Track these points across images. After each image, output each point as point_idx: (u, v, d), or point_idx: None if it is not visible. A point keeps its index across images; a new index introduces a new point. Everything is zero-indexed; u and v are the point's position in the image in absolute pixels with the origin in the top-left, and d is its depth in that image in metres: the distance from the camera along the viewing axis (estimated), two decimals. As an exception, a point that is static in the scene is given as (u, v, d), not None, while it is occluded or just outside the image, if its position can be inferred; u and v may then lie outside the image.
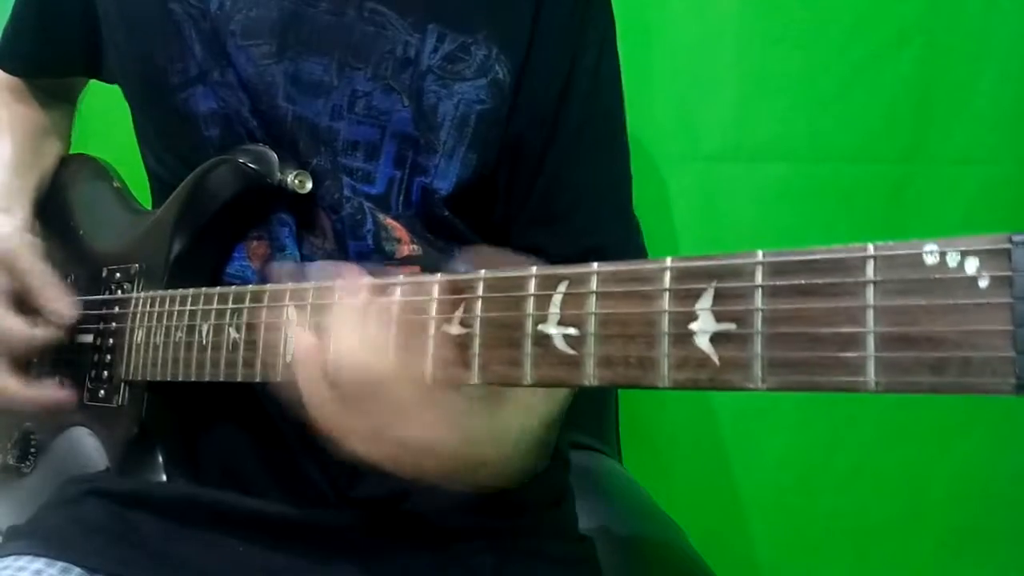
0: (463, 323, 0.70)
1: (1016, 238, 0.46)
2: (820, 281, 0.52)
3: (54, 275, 1.11)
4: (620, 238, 1.11)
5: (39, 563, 0.96)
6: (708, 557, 1.36)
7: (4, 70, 1.28)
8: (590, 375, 0.62)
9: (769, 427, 1.72)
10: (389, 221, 1.03)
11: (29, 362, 1.18)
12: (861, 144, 1.68)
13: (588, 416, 1.65)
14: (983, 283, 0.47)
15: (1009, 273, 0.46)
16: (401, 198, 1.04)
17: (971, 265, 0.47)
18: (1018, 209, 1.63)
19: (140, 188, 1.21)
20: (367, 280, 0.78)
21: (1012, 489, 1.73)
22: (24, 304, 1.11)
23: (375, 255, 1.02)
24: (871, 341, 0.50)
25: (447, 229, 1.06)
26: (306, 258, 1.02)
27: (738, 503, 1.75)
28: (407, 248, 1.03)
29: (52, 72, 1.27)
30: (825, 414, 1.70)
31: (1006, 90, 1.67)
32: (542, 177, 1.07)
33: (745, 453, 1.75)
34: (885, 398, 1.52)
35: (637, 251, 1.12)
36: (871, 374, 0.50)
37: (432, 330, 0.72)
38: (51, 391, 1.12)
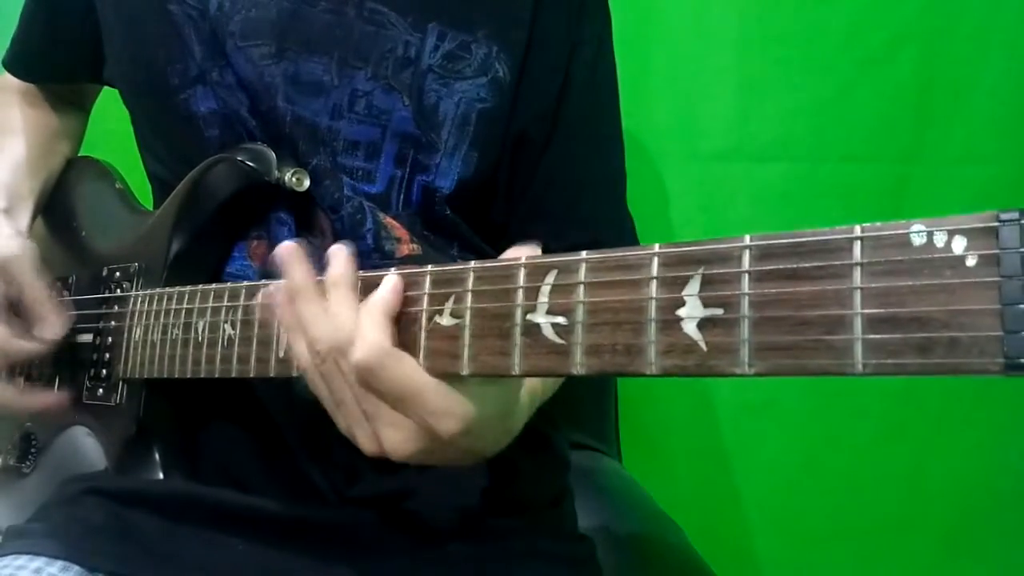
0: (454, 314, 0.71)
1: (1003, 216, 0.46)
2: (807, 264, 0.52)
3: (48, 287, 1.12)
4: (616, 233, 1.11)
5: (39, 561, 0.95)
6: (708, 557, 1.36)
7: (14, 76, 1.28)
8: (578, 364, 0.62)
9: (769, 427, 1.72)
10: (389, 220, 1.03)
11: (29, 362, 1.19)
12: (861, 144, 1.68)
13: (588, 416, 1.65)
14: (970, 262, 0.47)
15: (996, 252, 0.46)
16: (401, 197, 1.04)
17: (958, 244, 0.47)
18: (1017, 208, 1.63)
19: (141, 189, 1.21)
20: (360, 274, 0.79)
21: (1012, 488, 1.73)
22: (18, 311, 1.11)
23: (375, 254, 1.02)
24: (858, 323, 0.50)
25: (447, 228, 1.06)
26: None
27: (738, 503, 1.75)
28: (407, 247, 1.03)
29: (60, 78, 1.28)
30: (825, 413, 1.70)
31: (1006, 90, 1.67)
32: (541, 173, 1.08)
33: (745, 453, 1.74)
34: (884, 396, 1.52)
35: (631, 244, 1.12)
36: (858, 357, 0.49)
37: (424, 321, 0.73)
38: (45, 396, 1.13)
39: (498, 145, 1.06)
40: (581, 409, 1.61)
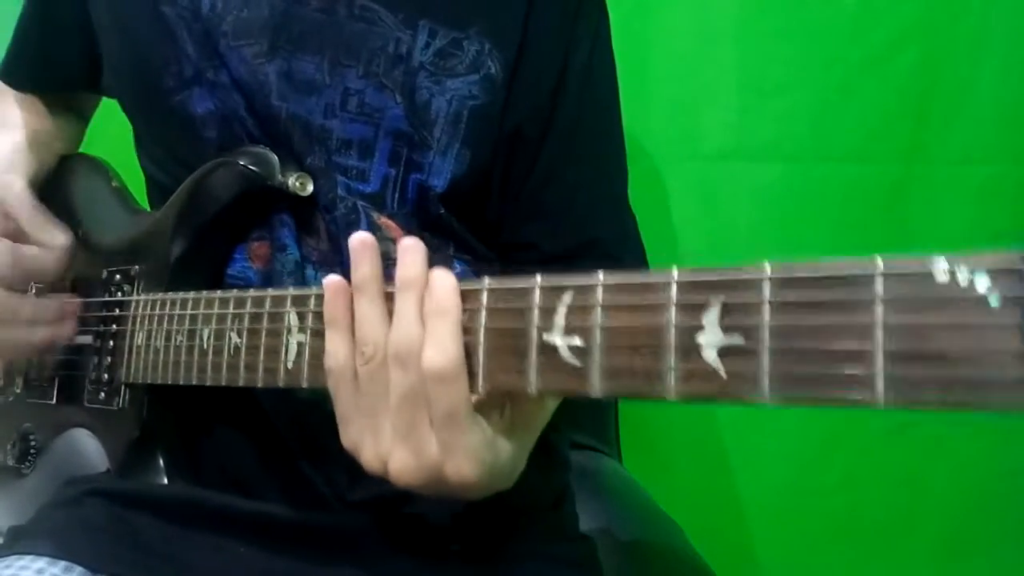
0: (467, 331, 0.71)
1: None
2: (828, 297, 0.52)
3: (46, 213, 1.10)
4: (616, 232, 1.11)
5: (41, 562, 0.96)
6: (708, 557, 1.36)
7: (10, 86, 1.28)
8: (595, 386, 0.62)
9: (769, 427, 1.72)
10: (384, 220, 1.02)
11: (28, 363, 1.18)
12: (861, 144, 1.68)
13: (588, 416, 1.66)
14: (994, 303, 0.47)
15: (1021, 294, 0.46)
16: (396, 196, 1.03)
17: (982, 284, 0.47)
18: (1018, 209, 1.64)
19: (137, 188, 1.20)
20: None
21: (1012, 489, 1.74)
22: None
23: None
24: (880, 358, 0.50)
25: (442, 227, 1.06)
26: (305, 258, 1.02)
27: (738, 503, 1.76)
28: None
29: (56, 87, 1.27)
30: (825, 414, 1.70)
31: (1006, 90, 1.68)
32: (536, 172, 1.07)
33: (745, 453, 1.75)
34: (886, 399, 1.50)
35: (634, 246, 1.12)
36: (879, 390, 0.50)
37: None
38: (53, 304, 1.10)
39: (491, 143, 1.05)
40: (581, 409, 1.61)
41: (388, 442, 0.75)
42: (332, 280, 0.78)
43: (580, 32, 1.09)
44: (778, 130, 1.69)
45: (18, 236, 1.08)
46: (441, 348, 0.71)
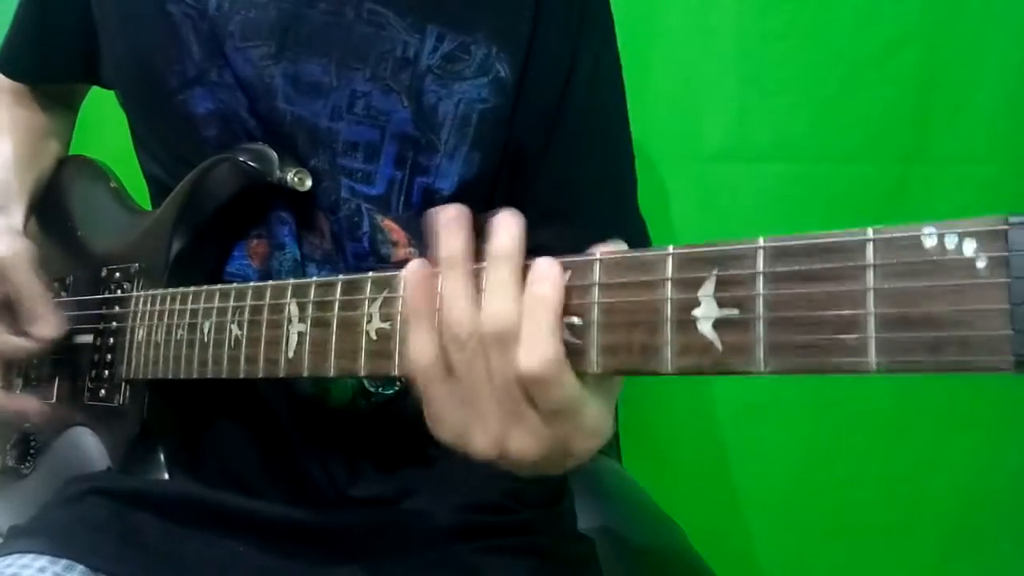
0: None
1: (1013, 219, 0.47)
2: (821, 265, 0.53)
3: (46, 287, 1.11)
4: (628, 235, 1.10)
5: (42, 561, 0.95)
6: (708, 557, 1.36)
7: (5, 75, 1.28)
8: (594, 362, 0.63)
9: (769, 427, 1.72)
10: (387, 223, 1.03)
11: (28, 363, 1.18)
12: (861, 144, 1.68)
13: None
14: (981, 264, 0.48)
15: (1006, 254, 0.47)
16: (402, 199, 1.04)
17: (969, 247, 0.48)
18: (1018, 209, 1.63)
19: (136, 189, 1.21)
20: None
21: (1012, 488, 1.73)
22: (14, 310, 1.11)
23: (371, 257, 1.02)
24: (871, 323, 0.50)
25: None
26: (305, 257, 1.03)
27: (738, 503, 1.75)
28: (403, 251, 1.03)
29: (52, 78, 1.28)
30: (825, 413, 1.70)
31: (1006, 90, 1.68)
32: (544, 175, 1.07)
33: (745, 453, 1.75)
34: (885, 397, 1.51)
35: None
36: (872, 355, 0.50)
37: None
38: (39, 402, 1.12)
39: (501, 145, 1.06)
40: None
41: (500, 425, 0.68)
42: (416, 266, 0.70)
43: (586, 34, 1.09)
44: (778, 130, 1.69)
45: (10, 302, 1.10)
46: (538, 349, 0.64)
